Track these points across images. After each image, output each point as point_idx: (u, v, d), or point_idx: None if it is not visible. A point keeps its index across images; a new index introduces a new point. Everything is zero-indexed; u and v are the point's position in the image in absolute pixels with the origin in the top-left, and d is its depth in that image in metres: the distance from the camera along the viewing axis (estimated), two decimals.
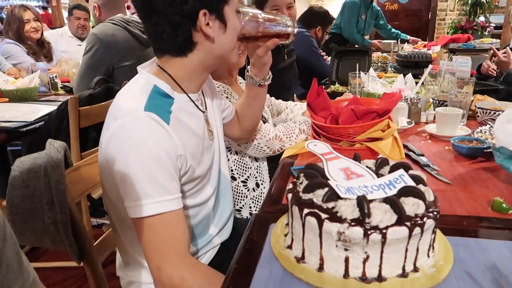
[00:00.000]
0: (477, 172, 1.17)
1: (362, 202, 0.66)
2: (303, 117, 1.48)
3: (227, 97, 1.35)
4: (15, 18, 2.97)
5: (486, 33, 5.27)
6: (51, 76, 2.69)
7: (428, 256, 0.72)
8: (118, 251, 1.06)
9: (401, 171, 0.77)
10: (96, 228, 2.15)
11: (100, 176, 0.93)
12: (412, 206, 0.68)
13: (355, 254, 0.66)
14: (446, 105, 1.67)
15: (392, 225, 0.64)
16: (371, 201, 0.68)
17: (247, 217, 1.43)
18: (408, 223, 0.65)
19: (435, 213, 0.69)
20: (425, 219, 0.67)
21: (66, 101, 1.68)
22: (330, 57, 2.73)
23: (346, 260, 0.67)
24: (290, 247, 0.77)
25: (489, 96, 1.94)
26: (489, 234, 0.85)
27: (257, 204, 1.43)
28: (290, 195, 0.76)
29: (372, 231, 0.64)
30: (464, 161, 1.26)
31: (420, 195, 0.70)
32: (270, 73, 1.17)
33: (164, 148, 0.83)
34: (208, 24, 0.87)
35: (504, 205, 0.94)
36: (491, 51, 3.13)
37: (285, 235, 0.82)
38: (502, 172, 1.14)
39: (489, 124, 1.49)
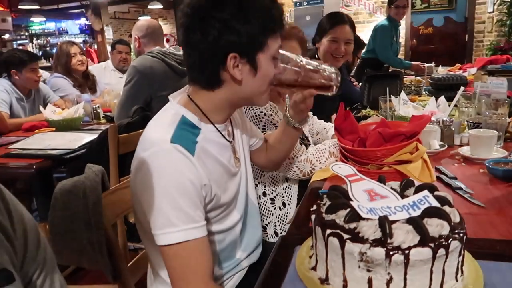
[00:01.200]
0: None
1: (384, 223, 0.66)
2: (333, 140, 1.49)
3: (271, 114, 1.36)
4: (63, 53, 3.21)
5: None
6: (94, 106, 2.86)
7: (456, 280, 0.70)
8: (149, 273, 1.09)
9: (425, 192, 0.76)
10: (132, 252, 2.21)
11: (131, 201, 0.98)
12: (436, 227, 0.67)
13: (378, 275, 0.66)
14: (481, 127, 1.62)
15: (414, 246, 0.64)
16: (393, 221, 0.68)
17: (272, 235, 1.43)
18: (431, 244, 0.65)
19: (461, 234, 0.68)
20: (450, 240, 0.66)
21: (107, 129, 1.78)
22: (361, 83, 2.73)
23: (369, 281, 0.67)
24: (314, 268, 0.78)
25: None
26: None
27: (282, 224, 1.44)
28: (313, 216, 0.78)
29: (394, 251, 0.64)
30: (500, 184, 1.21)
31: (444, 216, 0.69)
32: (309, 115, 1.17)
33: (188, 178, 0.86)
34: (237, 66, 0.89)
35: None
36: None
37: (310, 257, 0.82)
38: None
39: None
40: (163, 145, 0.87)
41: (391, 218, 0.69)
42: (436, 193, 0.79)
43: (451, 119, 1.66)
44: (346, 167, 0.92)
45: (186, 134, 0.92)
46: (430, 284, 0.67)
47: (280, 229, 1.44)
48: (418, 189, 0.81)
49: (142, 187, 0.88)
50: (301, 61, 1.03)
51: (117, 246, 1.01)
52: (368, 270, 0.67)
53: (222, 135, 1.00)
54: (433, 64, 3.81)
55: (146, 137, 0.93)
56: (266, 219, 1.44)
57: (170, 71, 2.38)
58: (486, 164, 1.29)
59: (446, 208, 0.73)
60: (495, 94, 1.98)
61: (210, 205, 0.95)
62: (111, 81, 3.78)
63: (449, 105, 1.91)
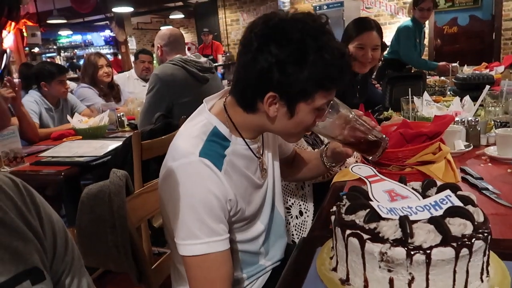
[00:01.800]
0: None
1: (404, 222, 0.66)
2: None
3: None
4: (91, 64, 3.31)
5: None
6: (118, 115, 2.93)
7: (482, 281, 0.69)
8: (173, 273, 1.11)
9: (447, 192, 0.75)
10: (157, 256, 2.25)
11: (159, 205, 1.00)
12: (458, 226, 0.66)
13: (399, 275, 0.65)
14: (508, 127, 1.58)
15: (436, 246, 0.63)
16: (414, 221, 0.68)
17: (289, 243, 1.43)
18: (454, 244, 0.63)
19: (485, 234, 0.67)
20: (473, 240, 0.64)
21: (130, 136, 1.82)
22: (382, 84, 2.69)
23: (391, 281, 0.66)
24: (335, 269, 0.78)
25: None
26: None
27: (300, 232, 1.42)
28: (333, 217, 0.78)
29: (415, 251, 0.63)
30: None
31: (467, 216, 0.68)
32: (343, 162, 1.19)
33: (214, 193, 0.86)
34: (275, 104, 0.88)
35: None
36: None
37: (331, 258, 0.82)
38: None
39: None
40: (191, 157, 0.88)
41: (412, 218, 0.68)
42: (459, 192, 0.77)
43: (477, 119, 1.62)
44: (366, 168, 0.91)
45: (215, 147, 0.92)
46: (454, 284, 0.65)
47: (297, 238, 1.43)
48: (440, 189, 0.79)
49: (168, 196, 0.90)
50: (353, 117, 0.99)
51: (142, 249, 1.03)
52: (389, 270, 0.66)
53: (251, 149, 0.99)
54: (457, 64, 3.71)
55: (176, 146, 0.93)
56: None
57: (191, 78, 2.42)
58: None
59: (470, 207, 0.72)
60: None
61: (235, 218, 0.96)
62: (134, 89, 3.87)
63: (474, 105, 1.86)
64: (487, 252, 0.69)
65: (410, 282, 0.65)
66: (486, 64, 3.71)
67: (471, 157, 1.49)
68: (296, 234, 1.43)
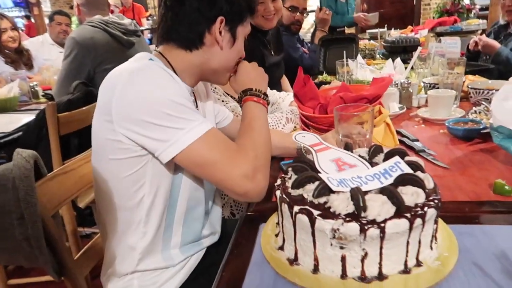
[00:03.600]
0: (475, 154, 1.12)
1: (357, 195, 0.60)
2: (290, 107, 1.43)
3: (222, 101, 1.29)
4: None
5: (472, 15, 5.22)
6: (31, 84, 2.60)
7: (431, 248, 0.67)
8: (105, 262, 0.99)
9: (396, 158, 0.71)
10: (86, 239, 2.08)
11: (96, 159, 0.91)
12: (411, 195, 0.62)
13: (352, 252, 0.61)
14: (437, 88, 1.61)
15: (390, 218, 0.59)
16: (365, 192, 0.62)
17: (228, 216, 1.36)
18: (408, 215, 0.60)
19: (436, 201, 0.64)
20: (426, 208, 0.61)
21: (44, 108, 1.60)
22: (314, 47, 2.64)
23: (343, 259, 0.61)
24: (282, 248, 0.71)
25: (480, 76, 1.89)
26: (493, 219, 0.80)
27: (238, 204, 1.36)
28: (278, 192, 0.70)
29: (369, 226, 0.58)
30: (461, 143, 1.20)
31: (419, 183, 0.64)
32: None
33: (181, 92, 0.82)
34: (220, 32, 0.90)
35: (506, 187, 0.88)
36: (479, 32, 3.09)
37: (276, 235, 0.76)
38: (500, 152, 1.09)
39: (483, 104, 1.44)
40: (143, 62, 0.84)
41: (362, 188, 0.63)
42: (407, 158, 0.74)
43: (409, 81, 1.64)
44: (310, 136, 0.85)
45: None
46: (407, 255, 0.62)
47: (237, 210, 1.36)
48: (388, 156, 0.75)
49: (131, 111, 0.78)
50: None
51: (60, 240, 0.89)
52: (342, 248, 0.61)
53: (194, 96, 0.97)
54: (385, 28, 3.79)
55: (111, 75, 0.84)
56: (221, 200, 1.36)
57: (114, 41, 2.19)
58: (446, 124, 1.27)
59: (419, 173, 0.69)
60: (449, 54, 1.98)
61: None
62: (50, 56, 3.47)
63: (405, 68, 1.89)
64: (436, 219, 0.66)
65: (363, 258, 0.61)
66: (411, 28, 3.85)
67: (405, 119, 1.51)
68: (235, 206, 1.36)
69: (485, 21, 4.41)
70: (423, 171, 0.70)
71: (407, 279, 0.62)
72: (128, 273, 0.92)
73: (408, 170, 0.68)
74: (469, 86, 1.60)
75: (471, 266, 0.64)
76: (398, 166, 0.69)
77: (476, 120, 1.26)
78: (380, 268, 0.61)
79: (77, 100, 1.78)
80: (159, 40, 0.94)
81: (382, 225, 0.58)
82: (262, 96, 0.98)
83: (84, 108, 1.74)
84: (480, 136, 1.21)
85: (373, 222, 0.58)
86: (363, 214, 0.59)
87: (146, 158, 0.84)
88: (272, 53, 2.06)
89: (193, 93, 1.00)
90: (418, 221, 0.60)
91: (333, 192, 0.63)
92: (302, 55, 2.70)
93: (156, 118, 0.77)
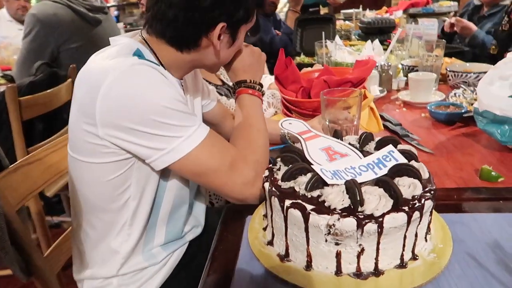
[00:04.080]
0: (458, 139, 1.12)
1: (353, 188, 0.56)
2: (270, 90, 1.37)
3: None
4: None
5: None
6: None
7: (426, 240, 0.64)
8: (76, 256, 0.92)
9: (390, 147, 0.68)
10: (55, 228, 1.98)
11: (74, 159, 0.81)
12: (408, 187, 0.59)
13: (347, 248, 0.57)
14: (416, 70, 1.60)
15: (388, 212, 0.56)
16: (360, 184, 0.59)
17: (207, 206, 1.31)
18: (405, 208, 0.57)
19: (432, 192, 0.61)
20: (423, 201, 0.58)
21: (3, 91, 1.48)
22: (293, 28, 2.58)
23: (338, 255, 0.58)
24: (271, 243, 0.67)
25: (456, 58, 1.90)
26: (483, 206, 0.79)
27: (219, 196, 1.31)
28: (267, 185, 0.66)
29: (366, 221, 0.55)
30: (443, 127, 1.20)
31: (415, 174, 0.61)
32: None
33: (175, 93, 0.75)
34: (219, 37, 0.81)
35: (493, 173, 0.88)
36: (451, 14, 3.10)
37: (264, 229, 0.71)
38: (483, 136, 1.09)
39: (462, 87, 1.44)
40: (130, 61, 0.73)
41: (357, 180, 0.60)
42: (400, 147, 0.71)
43: (389, 63, 1.62)
44: (297, 123, 0.80)
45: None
46: (403, 249, 0.60)
47: (216, 199, 1.31)
48: (380, 144, 0.72)
49: (121, 119, 0.70)
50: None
51: (27, 237, 0.82)
52: (337, 244, 0.57)
53: (182, 88, 0.89)
54: (360, 8, 3.75)
55: (92, 68, 0.75)
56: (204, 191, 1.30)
57: (79, 19, 2.06)
58: (428, 108, 1.26)
59: (414, 163, 0.66)
60: (426, 36, 1.97)
61: None
62: (8, 33, 3.24)
63: (384, 49, 1.87)
64: (432, 211, 0.64)
65: (359, 254, 0.58)
66: (386, 9, 3.83)
67: (386, 102, 1.49)
68: (213, 195, 1.31)
69: (456, 3, 4.44)
70: (417, 160, 0.68)
71: (403, 275, 0.59)
72: (108, 277, 0.86)
73: (402, 159, 0.65)
74: (448, 69, 1.59)
75: (467, 258, 0.63)
76: (392, 156, 0.66)
77: (457, 104, 1.26)
78: (376, 263, 0.58)
79: (41, 82, 1.66)
80: (147, 25, 0.83)
81: (380, 219, 0.55)
82: (257, 87, 0.92)
83: (48, 90, 1.62)
84: (462, 120, 1.20)
85: (370, 217, 0.55)
86: (360, 209, 0.56)
87: (132, 160, 0.77)
88: (248, 33, 1.99)
89: (181, 85, 0.92)
90: (416, 214, 0.57)
91: (327, 185, 0.60)
92: (274, 38, 2.64)
93: (151, 128, 0.70)
